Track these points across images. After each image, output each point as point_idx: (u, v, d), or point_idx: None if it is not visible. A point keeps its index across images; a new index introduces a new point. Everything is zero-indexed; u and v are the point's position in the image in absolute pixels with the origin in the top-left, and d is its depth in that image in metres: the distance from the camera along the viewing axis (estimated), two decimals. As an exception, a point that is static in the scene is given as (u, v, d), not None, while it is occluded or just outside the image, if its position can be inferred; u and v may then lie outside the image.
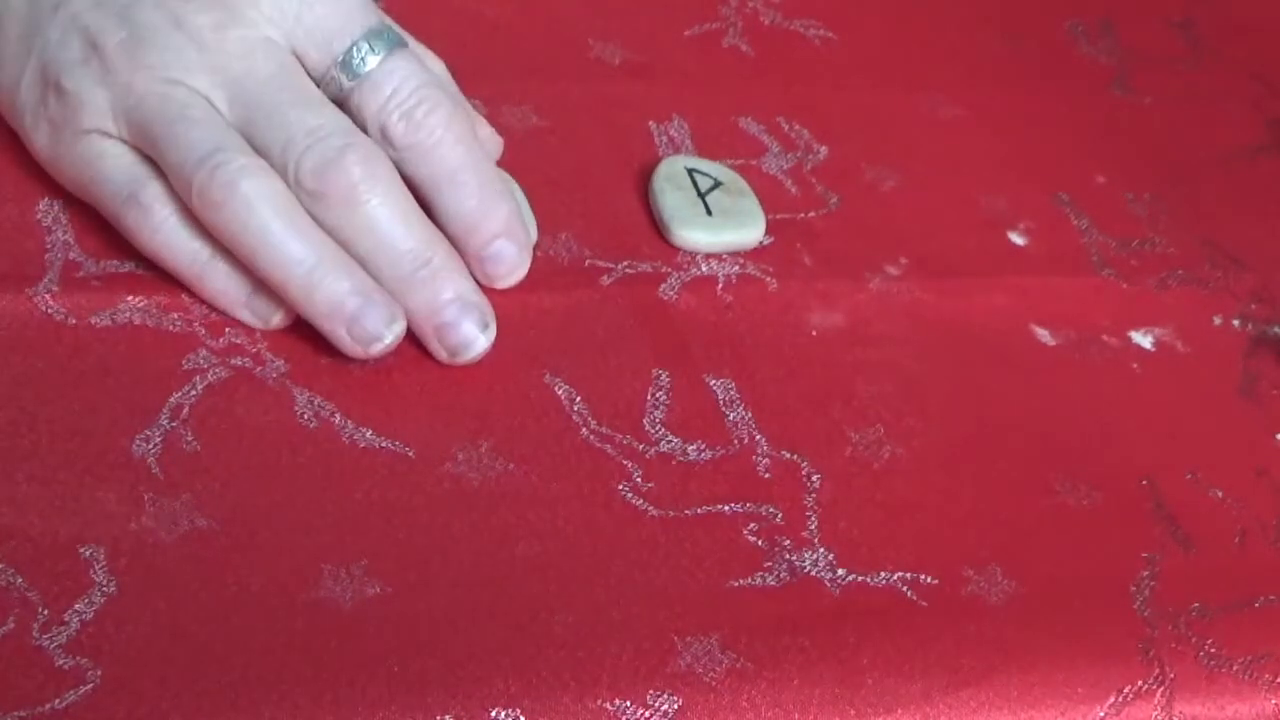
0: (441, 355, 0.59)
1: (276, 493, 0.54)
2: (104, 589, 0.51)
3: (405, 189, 0.59)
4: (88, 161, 0.59)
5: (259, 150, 0.58)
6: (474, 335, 0.59)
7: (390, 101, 0.60)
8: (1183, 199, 0.75)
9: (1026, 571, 0.58)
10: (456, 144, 0.61)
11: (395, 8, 0.69)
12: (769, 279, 0.66)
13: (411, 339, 0.59)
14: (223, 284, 0.58)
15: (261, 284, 0.58)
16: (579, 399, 0.60)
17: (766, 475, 0.59)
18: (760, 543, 0.57)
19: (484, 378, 0.59)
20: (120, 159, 0.59)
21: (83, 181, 0.59)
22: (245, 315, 0.59)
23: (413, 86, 0.60)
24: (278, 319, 0.59)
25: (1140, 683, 0.55)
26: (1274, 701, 0.56)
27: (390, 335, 0.58)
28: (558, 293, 0.63)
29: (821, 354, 0.64)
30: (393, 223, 0.59)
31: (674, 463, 0.58)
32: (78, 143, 0.59)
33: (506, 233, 0.61)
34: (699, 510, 0.57)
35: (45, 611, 0.50)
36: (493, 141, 0.66)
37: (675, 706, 0.52)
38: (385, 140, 0.60)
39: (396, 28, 0.62)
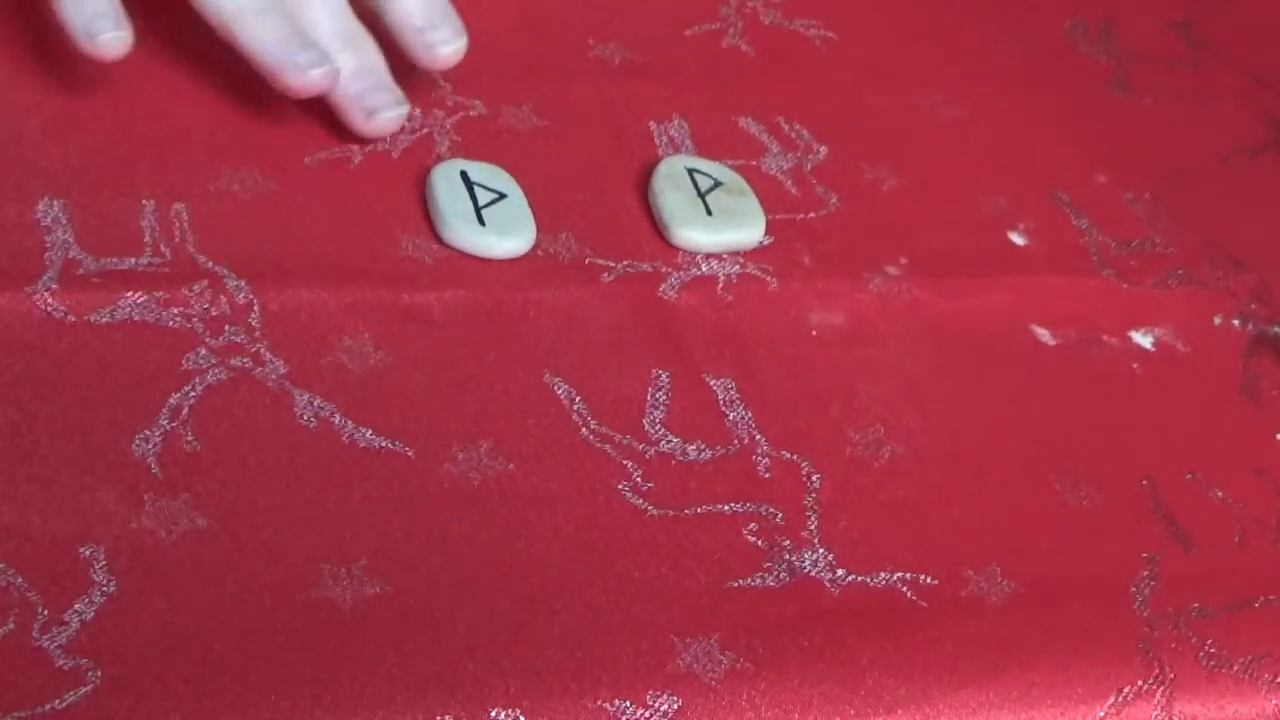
0: (360, 122, 0.65)
1: (276, 493, 0.54)
2: (104, 589, 0.51)
3: None
4: None
5: None
6: (387, 100, 0.66)
7: None
8: (1183, 199, 0.75)
9: (1026, 571, 0.58)
10: None
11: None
12: (769, 279, 0.66)
13: (414, 339, 0.59)
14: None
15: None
16: (579, 399, 0.60)
17: (766, 475, 0.59)
18: (760, 543, 0.57)
19: (484, 378, 0.60)
20: None
21: None
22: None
23: None
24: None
25: (1140, 683, 0.55)
26: (1274, 701, 0.56)
27: (320, 72, 0.64)
28: (558, 292, 0.63)
29: (821, 354, 0.64)
30: (321, 3, 0.66)
31: (674, 463, 0.58)
32: None
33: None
34: (699, 510, 0.57)
35: (45, 611, 0.50)
36: None
37: (675, 706, 0.52)
38: None
39: None
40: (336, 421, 0.57)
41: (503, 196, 0.65)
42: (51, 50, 0.66)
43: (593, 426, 0.59)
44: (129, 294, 0.59)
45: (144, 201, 0.62)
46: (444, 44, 0.67)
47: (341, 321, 0.60)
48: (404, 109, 0.66)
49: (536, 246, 0.64)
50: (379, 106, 0.66)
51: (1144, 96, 0.81)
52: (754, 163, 0.71)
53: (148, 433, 0.55)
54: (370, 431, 0.57)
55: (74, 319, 0.58)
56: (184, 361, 0.57)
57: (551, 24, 0.75)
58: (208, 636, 0.50)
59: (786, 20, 0.79)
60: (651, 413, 0.60)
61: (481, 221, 0.64)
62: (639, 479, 0.58)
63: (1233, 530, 0.61)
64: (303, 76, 0.63)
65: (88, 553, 0.51)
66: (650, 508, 0.57)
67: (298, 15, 0.65)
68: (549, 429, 0.58)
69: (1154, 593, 0.58)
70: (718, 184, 0.68)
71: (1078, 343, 0.67)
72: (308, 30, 0.65)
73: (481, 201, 0.65)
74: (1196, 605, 0.58)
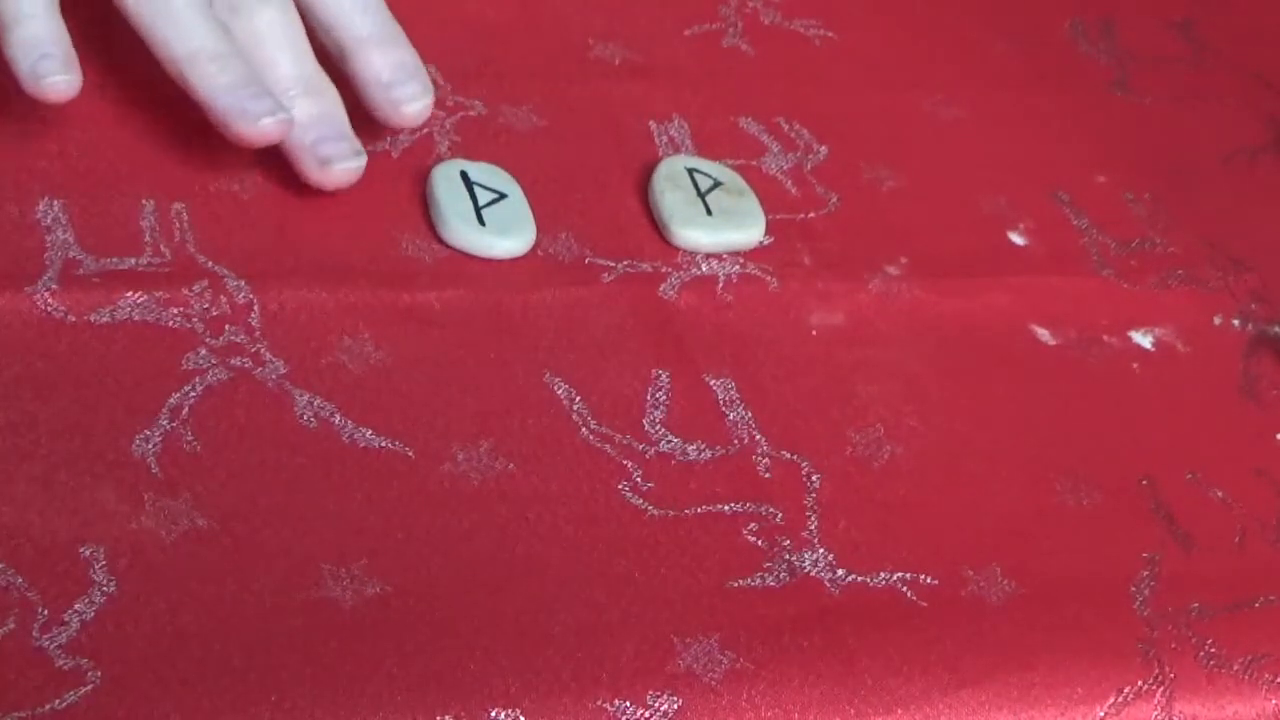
0: (313, 171, 0.63)
1: (276, 493, 0.54)
2: (104, 589, 0.51)
3: (299, 25, 0.64)
4: None
5: None
6: (344, 150, 0.63)
7: None
8: (1183, 199, 0.75)
9: (1026, 571, 0.58)
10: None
11: (396, 8, 0.69)
12: (769, 279, 0.66)
13: (414, 339, 0.59)
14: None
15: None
16: (579, 399, 0.60)
17: (766, 475, 0.59)
18: (760, 543, 0.57)
19: (484, 378, 0.60)
20: None
21: None
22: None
23: None
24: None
25: (1140, 683, 0.56)
26: (1274, 701, 0.56)
27: (273, 121, 0.61)
28: (558, 292, 0.63)
29: (821, 354, 0.64)
30: (279, 46, 0.64)
31: (674, 463, 0.58)
32: None
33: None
34: (699, 510, 0.57)
35: (45, 611, 0.50)
36: None
37: (675, 706, 0.52)
38: None
39: None
40: (336, 421, 0.57)
41: (503, 196, 0.65)
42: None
43: (593, 426, 0.59)
44: (129, 294, 0.59)
45: (144, 201, 0.62)
46: (410, 101, 0.65)
47: (341, 321, 0.60)
48: (361, 160, 0.63)
49: (536, 246, 0.64)
50: (334, 156, 0.63)
51: (1144, 96, 0.81)
52: (754, 163, 0.71)
53: (148, 433, 0.55)
54: (370, 431, 0.57)
55: (74, 319, 0.58)
56: (184, 361, 0.57)
57: (551, 24, 0.75)
58: (208, 636, 0.50)
59: (786, 20, 0.79)
60: (651, 413, 0.60)
61: (481, 221, 0.64)
62: (639, 479, 0.58)
63: (1233, 530, 0.61)
64: (254, 125, 0.61)
65: (88, 553, 0.51)
66: (650, 508, 0.57)
67: (255, 57, 0.63)
68: (549, 429, 0.58)
69: (1154, 593, 0.58)
70: (718, 184, 0.68)
71: (1078, 343, 0.67)
72: (265, 72, 0.63)
73: (481, 201, 0.65)
74: (1196, 605, 0.58)
